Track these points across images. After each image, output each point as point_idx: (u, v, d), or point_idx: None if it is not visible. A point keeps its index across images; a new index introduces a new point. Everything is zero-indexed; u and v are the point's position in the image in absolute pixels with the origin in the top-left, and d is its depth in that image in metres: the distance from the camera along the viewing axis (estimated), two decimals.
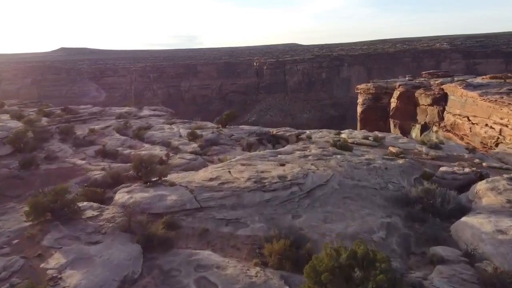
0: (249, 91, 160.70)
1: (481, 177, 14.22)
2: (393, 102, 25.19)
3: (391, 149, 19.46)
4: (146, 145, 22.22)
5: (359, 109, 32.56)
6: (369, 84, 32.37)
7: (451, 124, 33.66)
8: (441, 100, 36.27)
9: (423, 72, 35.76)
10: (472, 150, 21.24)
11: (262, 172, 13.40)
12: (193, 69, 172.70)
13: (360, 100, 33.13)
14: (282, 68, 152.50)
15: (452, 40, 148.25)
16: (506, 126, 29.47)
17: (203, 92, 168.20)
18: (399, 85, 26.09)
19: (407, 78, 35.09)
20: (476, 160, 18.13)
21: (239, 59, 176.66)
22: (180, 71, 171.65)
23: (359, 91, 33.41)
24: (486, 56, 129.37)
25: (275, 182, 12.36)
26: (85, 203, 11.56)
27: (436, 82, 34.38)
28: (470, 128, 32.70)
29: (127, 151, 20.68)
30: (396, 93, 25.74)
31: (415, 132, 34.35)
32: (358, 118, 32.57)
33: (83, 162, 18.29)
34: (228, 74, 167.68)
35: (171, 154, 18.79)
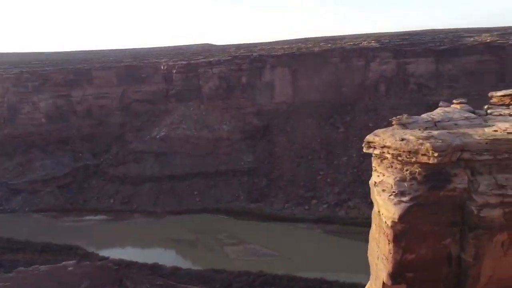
0: (157, 100, 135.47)
1: None
2: None
3: None
4: None
5: (392, 209, 11.17)
6: (412, 136, 11.20)
7: None
8: None
9: (493, 95, 15.89)
10: None
11: None
12: (87, 74, 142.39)
13: (389, 179, 11.61)
14: (195, 72, 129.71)
15: (378, 38, 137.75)
16: None
17: (101, 102, 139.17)
18: None
19: (457, 105, 14.82)
20: None
21: (144, 62, 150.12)
22: (70, 78, 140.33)
23: (384, 153, 11.84)
24: (417, 54, 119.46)
25: None
26: None
27: None
28: None
29: None
30: None
31: None
32: (391, 233, 10.73)
33: None
34: (131, 80, 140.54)
35: None
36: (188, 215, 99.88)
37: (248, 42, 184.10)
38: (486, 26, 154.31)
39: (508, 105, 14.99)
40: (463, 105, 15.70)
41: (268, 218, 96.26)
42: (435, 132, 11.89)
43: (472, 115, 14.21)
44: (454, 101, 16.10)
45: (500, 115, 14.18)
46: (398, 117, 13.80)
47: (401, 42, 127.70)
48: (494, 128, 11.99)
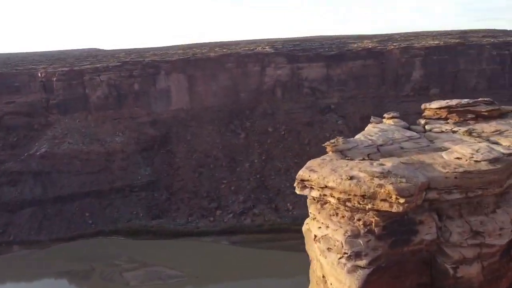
0: (35, 112, 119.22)
1: None
2: None
3: None
4: None
5: (346, 279, 7.83)
6: (363, 172, 7.97)
7: None
8: None
9: (426, 107, 13.70)
10: None
11: None
12: None
13: (336, 234, 8.01)
14: (79, 80, 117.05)
15: (271, 43, 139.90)
16: None
17: None
18: None
19: (389, 120, 12.24)
20: None
21: (17, 69, 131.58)
22: None
23: (325, 196, 8.36)
24: (309, 60, 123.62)
25: None
26: None
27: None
28: None
29: None
30: None
31: None
32: None
33: None
34: (1, 90, 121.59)
35: None
36: (79, 241, 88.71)
37: (139, 47, 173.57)
38: (366, 33, 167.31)
39: (445, 119, 12.97)
40: (396, 119, 13.26)
41: (171, 235, 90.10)
42: (388, 164, 8.97)
43: (414, 133, 11.79)
44: (386, 115, 13.66)
45: (442, 131, 12.00)
46: (332, 141, 10.64)
47: (293, 48, 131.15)
48: (455, 154, 9.45)
